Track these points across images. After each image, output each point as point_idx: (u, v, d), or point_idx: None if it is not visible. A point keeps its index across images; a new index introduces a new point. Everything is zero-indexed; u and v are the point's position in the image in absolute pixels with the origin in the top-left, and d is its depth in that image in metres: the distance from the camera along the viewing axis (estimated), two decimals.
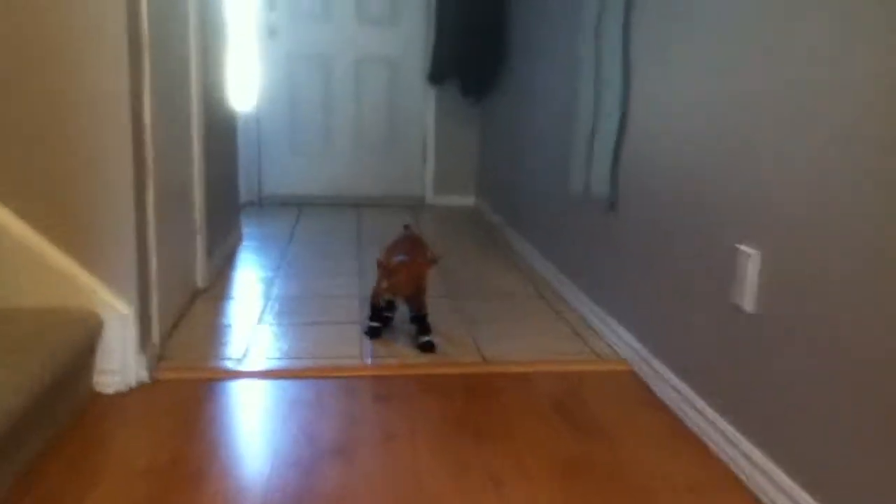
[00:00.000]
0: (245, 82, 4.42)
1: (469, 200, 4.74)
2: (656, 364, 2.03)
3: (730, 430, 1.65)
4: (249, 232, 3.80)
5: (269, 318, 2.51)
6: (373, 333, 2.37)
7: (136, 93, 1.87)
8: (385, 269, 2.20)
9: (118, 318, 1.88)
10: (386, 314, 2.42)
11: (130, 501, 1.44)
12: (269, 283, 2.91)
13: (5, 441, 1.40)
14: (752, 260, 1.58)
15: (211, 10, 2.87)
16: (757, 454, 1.54)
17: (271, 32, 4.42)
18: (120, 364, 1.90)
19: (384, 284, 2.21)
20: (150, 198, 2.00)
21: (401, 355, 2.24)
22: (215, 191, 2.96)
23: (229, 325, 2.43)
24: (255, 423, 1.80)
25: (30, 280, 1.83)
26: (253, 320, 2.48)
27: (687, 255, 1.89)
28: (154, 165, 2.01)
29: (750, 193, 1.60)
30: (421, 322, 2.32)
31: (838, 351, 1.31)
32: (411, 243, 2.39)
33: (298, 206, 4.57)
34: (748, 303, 1.60)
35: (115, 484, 1.50)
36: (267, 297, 2.73)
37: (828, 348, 1.34)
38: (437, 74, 4.44)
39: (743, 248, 1.62)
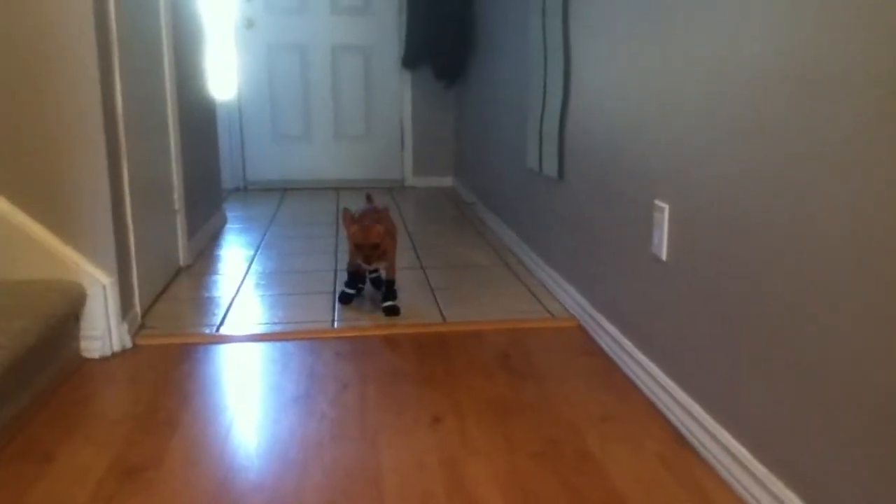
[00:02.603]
0: (225, 73, 4.58)
1: (447, 181, 4.91)
2: (598, 317, 2.20)
3: (654, 368, 1.83)
4: (234, 216, 3.98)
5: (247, 290, 2.69)
6: (344, 299, 2.54)
7: (106, 79, 2.03)
8: (350, 219, 2.38)
9: (99, 288, 2.05)
10: (359, 285, 2.59)
11: (106, 445, 1.62)
12: (249, 261, 3.08)
13: None
14: (664, 213, 1.75)
15: (183, 5, 3.03)
16: (675, 388, 1.72)
17: (248, 24, 4.58)
18: (103, 330, 2.07)
19: (353, 229, 2.37)
20: (125, 178, 2.17)
21: (366, 319, 2.41)
22: (194, 174, 3.13)
23: (209, 297, 2.60)
24: (225, 379, 1.98)
25: (14, 254, 2.01)
26: (231, 292, 2.65)
27: (618, 215, 2.06)
28: (127, 148, 2.17)
29: (663, 154, 1.77)
30: (388, 287, 2.49)
31: (728, 290, 1.48)
32: (376, 213, 2.54)
33: (282, 191, 4.74)
34: (663, 252, 1.77)
35: (93, 431, 1.68)
36: (246, 273, 2.91)
37: (719, 288, 1.51)
38: (411, 59, 4.60)
39: (657, 202, 1.79)
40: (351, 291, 2.56)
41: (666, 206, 1.75)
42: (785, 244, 1.29)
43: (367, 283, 2.64)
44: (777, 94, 1.30)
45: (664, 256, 1.77)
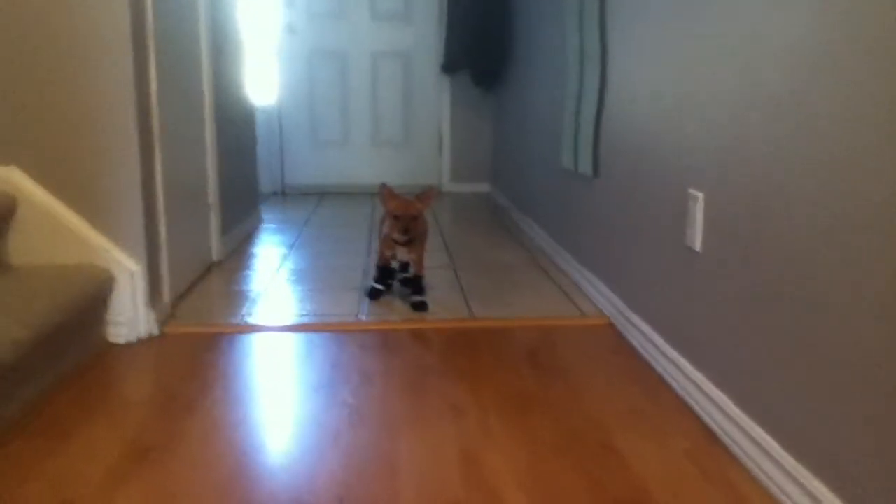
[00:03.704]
0: (266, 78, 4.63)
1: (483, 187, 4.88)
2: (630, 315, 2.14)
3: (685, 364, 1.76)
4: (271, 217, 4.00)
5: (277, 285, 2.68)
6: (373, 295, 2.52)
7: (141, 74, 2.05)
8: (390, 194, 2.38)
9: (128, 274, 2.06)
10: (388, 281, 2.57)
11: (124, 425, 1.61)
12: (282, 258, 3.09)
13: (14, 369, 1.58)
14: (699, 202, 1.69)
15: (223, 9, 3.07)
16: (706, 383, 1.65)
17: (290, 30, 4.63)
18: (130, 317, 2.08)
19: (388, 206, 2.37)
20: (158, 169, 2.18)
21: (394, 314, 2.38)
22: (230, 172, 3.15)
23: (239, 291, 2.60)
24: (249, 368, 1.96)
25: (46, 240, 2.03)
26: (262, 287, 2.65)
27: (652, 207, 2.00)
28: (161, 140, 2.19)
29: (697, 143, 1.71)
30: (416, 284, 2.46)
31: (762, 281, 1.42)
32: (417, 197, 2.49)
33: (319, 195, 4.76)
34: (698, 243, 1.71)
35: (112, 412, 1.68)
36: (278, 269, 2.90)
37: (752, 279, 1.45)
38: (450, 65, 4.60)
39: (692, 191, 1.73)
40: (380, 287, 2.53)
41: (700, 195, 1.69)
42: (821, 233, 1.23)
43: (395, 279, 2.61)
44: (811, 81, 1.25)
45: (698, 247, 1.70)
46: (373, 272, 2.59)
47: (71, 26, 1.96)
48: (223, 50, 3.06)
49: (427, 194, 2.42)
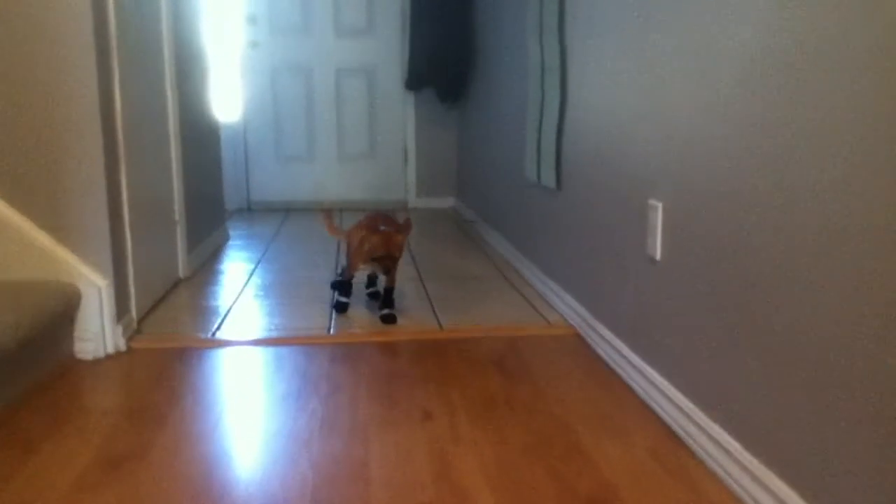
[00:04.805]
0: (230, 95, 4.64)
1: (449, 202, 4.93)
2: (596, 324, 2.19)
3: (648, 370, 1.81)
4: (237, 233, 3.99)
5: (245, 299, 2.69)
6: (341, 308, 2.53)
7: (105, 87, 2.06)
8: (367, 231, 2.37)
9: (94, 290, 2.06)
10: (369, 289, 2.62)
11: (92, 437, 1.61)
12: (249, 273, 3.09)
13: None
14: (658, 212, 1.75)
15: (186, 26, 3.08)
16: (668, 387, 1.70)
17: (254, 46, 4.64)
18: (96, 332, 2.07)
19: (366, 246, 2.36)
20: (123, 184, 2.19)
21: (363, 327, 2.40)
22: (196, 189, 3.15)
23: (207, 306, 2.60)
24: (218, 380, 1.97)
25: (10, 255, 2.01)
26: (229, 302, 2.65)
27: (614, 218, 2.06)
28: (126, 155, 2.19)
29: (655, 155, 1.77)
30: (386, 296, 2.48)
31: (720, 287, 1.47)
32: (383, 217, 2.53)
33: (285, 211, 4.76)
34: (657, 252, 1.76)
35: (80, 424, 1.67)
36: (245, 284, 2.91)
37: (710, 285, 1.50)
38: (414, 81, 4.64)
39: (651, 201, 1.79)
40: (346, 300, 2.55)
41: (659, 205, 1.74)
42: (777, 239, 1.29)
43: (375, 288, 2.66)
44: (767, 88, 1.31)
45: (658, 256, 1.76)
46: (337, 283, 2.59)
47: (35, 45, 1.97)
48: (187, 67, 3.07)
49: (406, 225, 2.44)
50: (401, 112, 4.84)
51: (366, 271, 2.55)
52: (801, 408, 1.21)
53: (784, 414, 1.25)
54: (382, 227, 2.40)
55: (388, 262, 2.38)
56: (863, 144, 1.05)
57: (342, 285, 2.55)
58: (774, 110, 1.27)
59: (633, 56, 1.91)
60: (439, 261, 3.36)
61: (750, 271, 1.36)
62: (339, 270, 2.58)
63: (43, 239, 2.04)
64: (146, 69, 2.51)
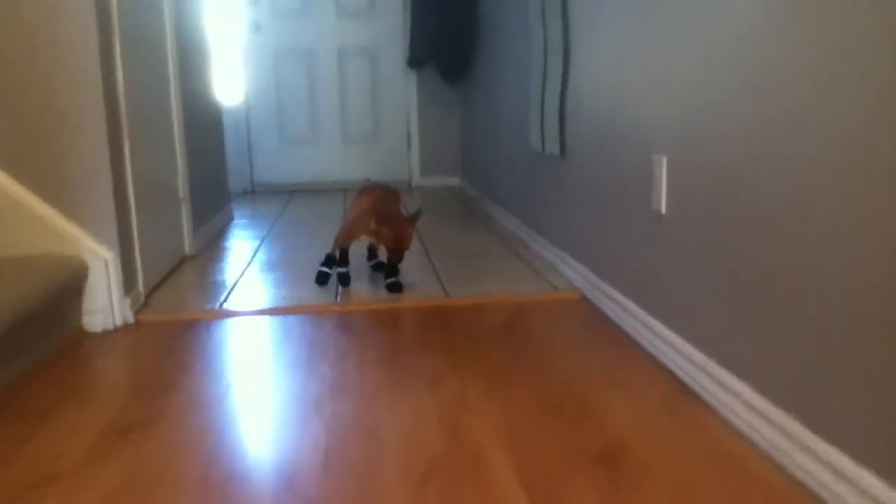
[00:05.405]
0: (233, 78, 4.62)
1: (454, 180, 4.92)
2: (602, 285, 2.18)
3: (657, 325, 1.80)
4: (241, 214, 4.00)
5: (251, 274, 2.69)
6: (344, 280, 2.52)
7: (107, 64, 2.05)
8: (378, 219, 2.34)
9: (101, 262, 2.06)
10: (371, 261, 2.65)
11: (102, 406, 1.61)
12: (254, 251, 3.09)
13: None
14: (662, 165, 1.73)
15: (189, 13, 3.07)
16: (677, 339, 1.69)
17: (256, 29, 4.63)
18: (105, 305, 2.08)
19: (384, 230, 2.34)
20: (127, 158, 2.18)
21: (369, 297, 2.40)
22: (200, 167, 3.15)
23: (213, 281, 2.60)
24: (226, 349, 1.97)
25: (18, 230, 2.02)
26: (235, 276, 2.65)
27: (618, 176, 2.05)
28: (130, 130, 2.19)
29: (659, 112, 1.76)
30: (391, 268, 2.47)
31: (725, 237, 1.46)
32: (387, 196, 2.50)
33: (289, 193, 4.76)
34: (663, 206, 1.75)
35: (90, 394, 1.68)
36: (251, 260, 2.91)
37: (715, 237, 1.49)
38: (416, 59, 4.62)
39: (655, 156, 1.77)
40: (345, 270, 2.52)
41: (664, 158, 1.73)
42: (780, 185, 1.27)
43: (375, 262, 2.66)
44: (767, 53, 1.29)
45: (664, 210, 1.75)
46: (334, 253, 2.55)
47: (40, 25, 1.96)
48: (189, 49, 3.06)
49: (417, 214, 2.43)
50: (404, 92, 4.82)
51: (362, 242, 2.53)
52: (807, 347, 1.20)
53: (792, 354, 1.24)
54: (393, 213, 2.38)
55: (397, 254, 2.39)
56: (862, 89, 1.04)
57: (328, 257, 2.54)
58: (776, 72, 1.26)
59: (639, 19, 1.89)
60: (445, 237, 3.35)
61: (753, 223, 1.35)
62: (334, 256, 2.56)
63: (49, 213, 2.04)
64: (149, 50, 2.50)
